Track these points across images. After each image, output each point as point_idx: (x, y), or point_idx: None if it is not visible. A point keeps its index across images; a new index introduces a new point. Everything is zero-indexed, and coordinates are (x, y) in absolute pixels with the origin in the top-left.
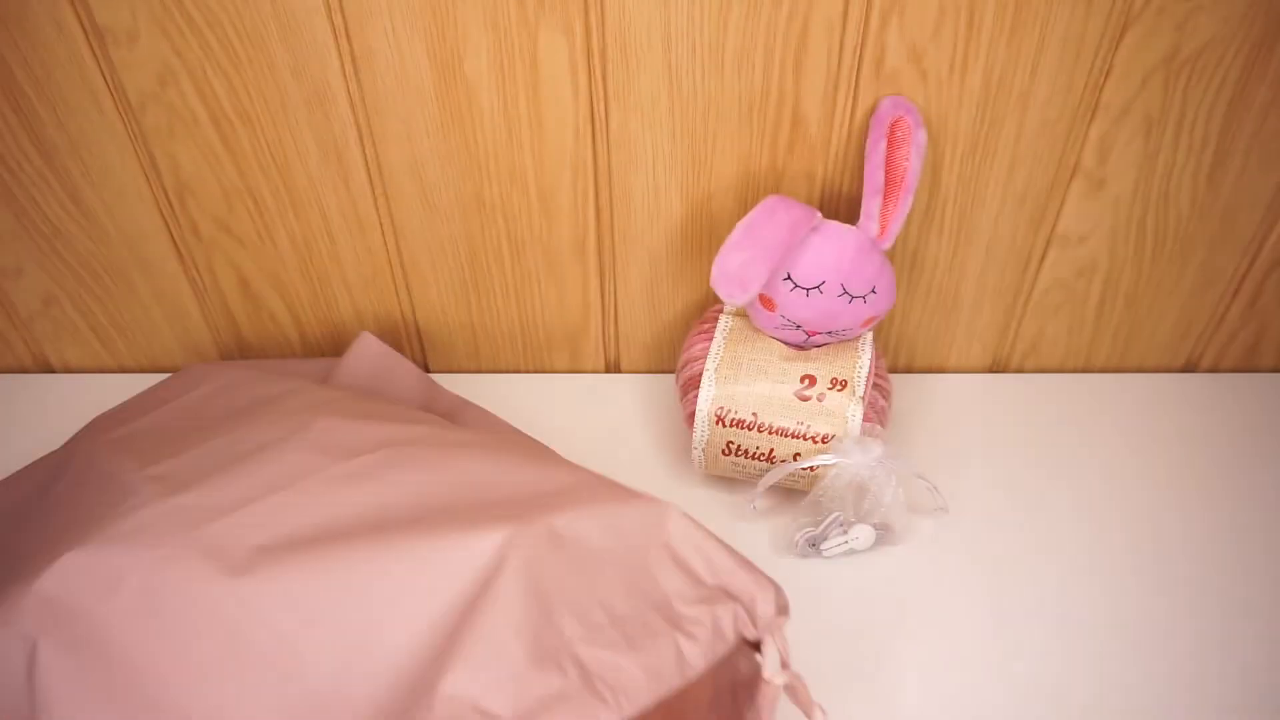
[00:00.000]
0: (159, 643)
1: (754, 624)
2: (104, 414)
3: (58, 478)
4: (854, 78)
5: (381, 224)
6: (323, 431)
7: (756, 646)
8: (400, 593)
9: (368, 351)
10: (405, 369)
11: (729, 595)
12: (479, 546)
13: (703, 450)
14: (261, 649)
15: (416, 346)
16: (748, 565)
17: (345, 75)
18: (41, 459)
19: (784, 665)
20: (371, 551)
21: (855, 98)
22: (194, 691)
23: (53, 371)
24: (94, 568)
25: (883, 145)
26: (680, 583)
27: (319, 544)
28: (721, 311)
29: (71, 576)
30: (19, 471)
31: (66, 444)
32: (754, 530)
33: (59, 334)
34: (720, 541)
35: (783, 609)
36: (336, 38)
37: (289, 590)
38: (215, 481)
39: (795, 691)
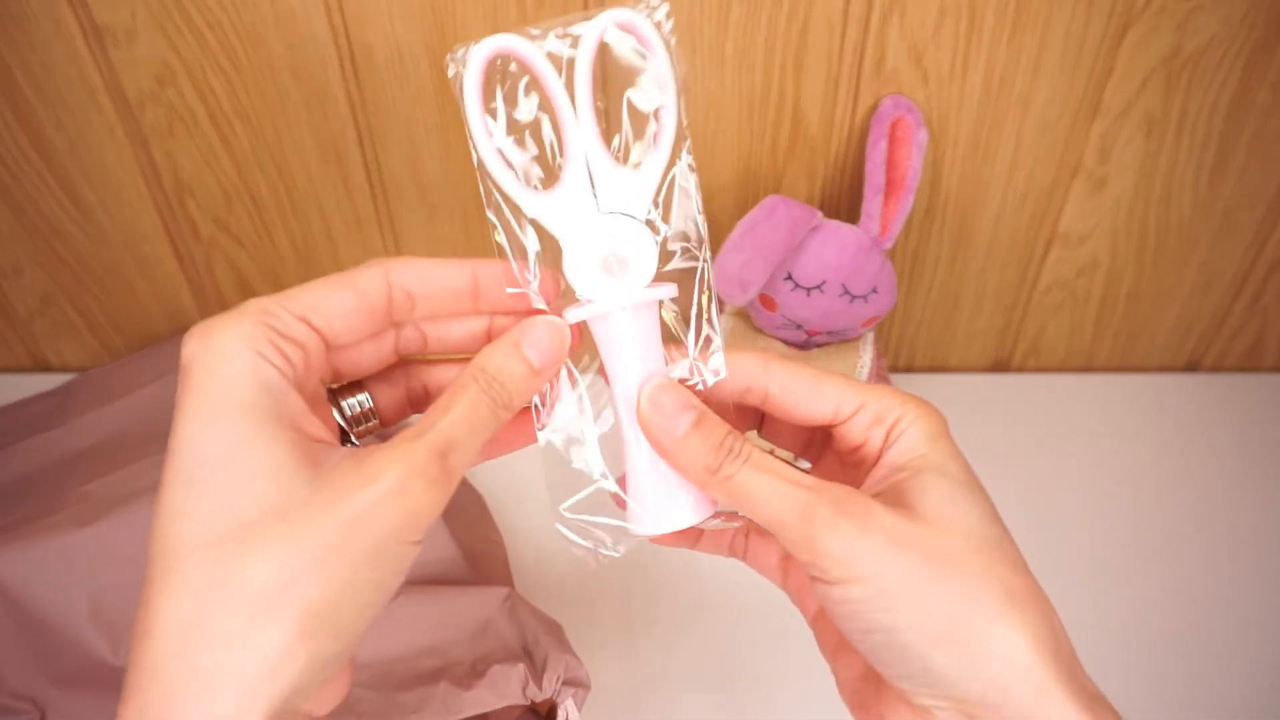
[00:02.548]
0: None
1: (538, 686)
2: (101, 371)
3: (46, 424)
4: (855, 77)
5: (381, 224)
6: None
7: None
8: None
9: None
10: None
11: (528, 659)
12: None
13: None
14: None
15: None
16: (556, 639)
17: (345, 75)
18: (41, 396)
19: None
20: None
21: (856, 97)
22: None
23: (51, 371)
24: None
25: (883, 145)
26: (493, 644)
27: None
28: (722, 311)
29: None
30: (19, 402)
31: (61, 389)
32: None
33: (57, 333)
34: (543, 618)
35: (576, 681)
36: (336, 37)
37: None
38: (124, 514)
39: None
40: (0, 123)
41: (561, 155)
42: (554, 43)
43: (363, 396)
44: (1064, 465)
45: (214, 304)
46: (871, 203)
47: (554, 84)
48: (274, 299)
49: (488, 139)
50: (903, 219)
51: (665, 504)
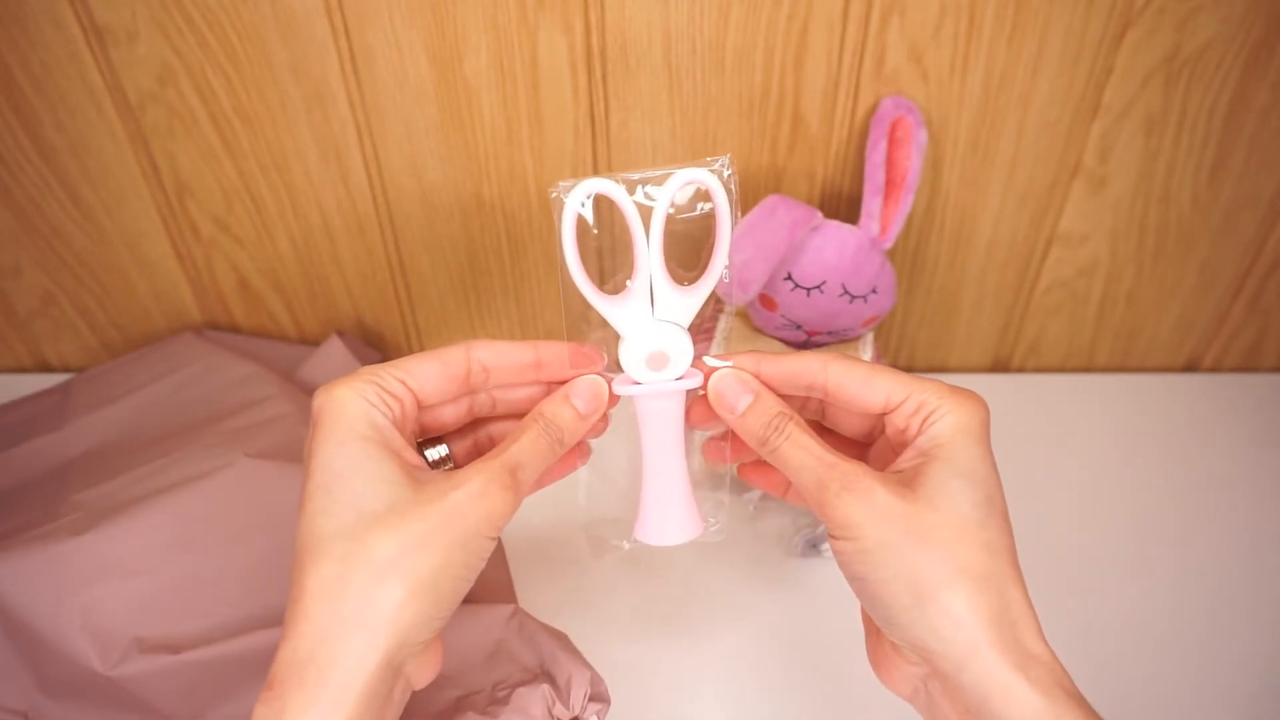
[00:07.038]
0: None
1: (565, 705)
2: (99, 370)
3: (44, 426)
4: (855, 77)
5: (381, 224)
6: (239, 478)
7: None
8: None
9: (332, 356)
10: None
11: (548, 678)
12: None
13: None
14: None
15: (416, 346)
16: (572, 654)
17: (345, 75)
18: (40, 394)
19: None
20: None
21: (856, 97)
22: None
23: (51, 371)
24: None
25: (883, 145)
26: (509, 666)
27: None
28: (721, 311)
29: None
30: (18, 401)
31: (60, 388)
32: (753, 531)
33: (58, 333)
34: (552, 632)
35: (599, 697)
36: (336, 37)
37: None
38: (117, 523)
39: None
40: (1, 123)
41: (632, 273)
42: (634, 186)
43: (441, 447)
44: (1064, 465)
45: (214, 304)
46: (871, 203)
47: (635, 221)
48: (381, 366)
49: (576, 254)
50: (903, 219)
51: (662, 526)
